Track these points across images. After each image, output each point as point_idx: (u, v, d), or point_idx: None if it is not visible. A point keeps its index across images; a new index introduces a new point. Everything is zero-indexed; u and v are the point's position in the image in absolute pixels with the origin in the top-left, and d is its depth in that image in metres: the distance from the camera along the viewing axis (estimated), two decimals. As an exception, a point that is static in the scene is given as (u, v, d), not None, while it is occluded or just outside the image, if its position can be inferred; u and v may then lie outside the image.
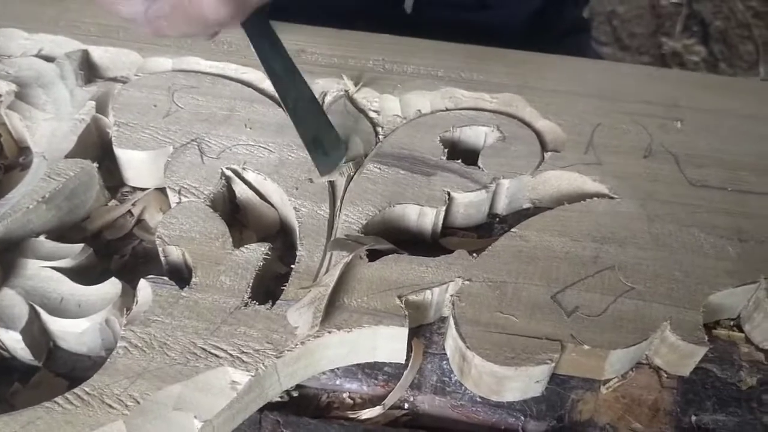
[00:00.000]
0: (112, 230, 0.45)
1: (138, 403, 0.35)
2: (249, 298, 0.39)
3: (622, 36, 2.01)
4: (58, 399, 0.35)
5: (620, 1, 2.09)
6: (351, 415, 0.40)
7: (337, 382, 0.41)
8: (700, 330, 0.39)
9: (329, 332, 0.38)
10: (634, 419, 0.40)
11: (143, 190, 0.47)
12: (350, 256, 0.40)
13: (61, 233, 0.44)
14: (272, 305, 0.39)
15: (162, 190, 0.47)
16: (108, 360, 0.37)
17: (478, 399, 0.40)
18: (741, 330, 0.43)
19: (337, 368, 0.40)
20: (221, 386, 0.36)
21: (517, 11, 0.68)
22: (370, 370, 0.41)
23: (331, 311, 0.38)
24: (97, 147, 0.48)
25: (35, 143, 0.47)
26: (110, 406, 0.35)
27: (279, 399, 0.40)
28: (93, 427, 0.34)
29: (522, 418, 0.39)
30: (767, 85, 0.63)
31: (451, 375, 0.40)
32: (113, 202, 0.47)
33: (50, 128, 0.47)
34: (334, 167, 0.45)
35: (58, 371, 0.40)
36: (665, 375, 0.41)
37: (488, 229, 0.47)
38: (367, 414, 0.40)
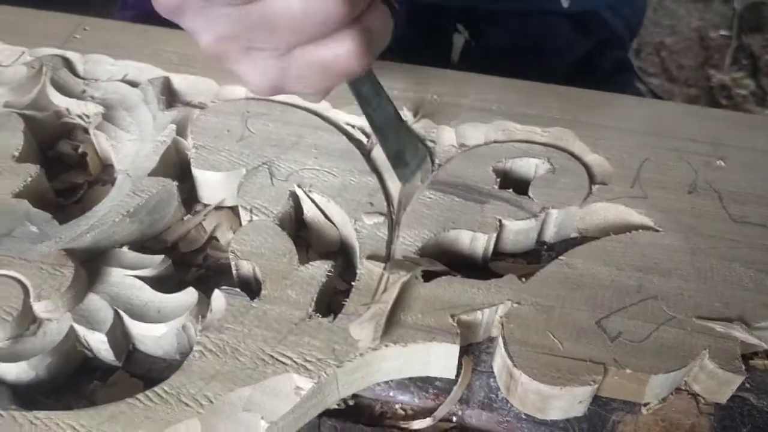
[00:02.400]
0: (187, 243, 0.49)
1: (212, 402, 0.38)
2: (313, 311, 0.42)
3: (671, 67, 2.02)
4: (140, 396, 0.39)
5: (669, 33, 2.10)
6: (403, 425, 0.43)
7: (391, 394, 0.44)
8: (737, 359, 0.41)
9: (386, 346, 0.41)
10: (672, 442, 0.42)
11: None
12: (408, 276, 0.43)
13: (141, 244, 0.48)
14: (334, 318, 0.42)
15: (233, 210, 0.51)
16: (185, 362, 0.40)
17: (524, 416, 0.42)
18: (779, 362, 0.45)
19: (391, 380, 0.43)
20: (286, 391, 0.39)
21: (566, 55, 0.71)
22: (422, 383, 0.44)
23: (389, 326, 0.41)
24: (176, 167, 0.52)
25: (119, 161, 0.51)
26: (186, 404, 0.38)
27: (336, 407, 0.43)
28: (170, 423, 0.38)
29: (563, 435, 0.42)
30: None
31: (498, 392, 0.43)
32: (188, 216, 0.50)
33: (134, 148, 0.51)
34: (413, 175, 0.48)
35: (135, 372, 0.44)
36: (703, 401, 0.43)
37: (536, 256, 0.50)
38: (417, 425, 0.42)
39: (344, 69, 0.34)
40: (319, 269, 0.44)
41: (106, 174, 0.54)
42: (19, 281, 0.42)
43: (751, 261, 0.46)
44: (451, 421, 0.43)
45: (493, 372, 0.44)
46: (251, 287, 0.45)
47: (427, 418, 0.42)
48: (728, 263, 0.46)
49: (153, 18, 0.76)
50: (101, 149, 0.53)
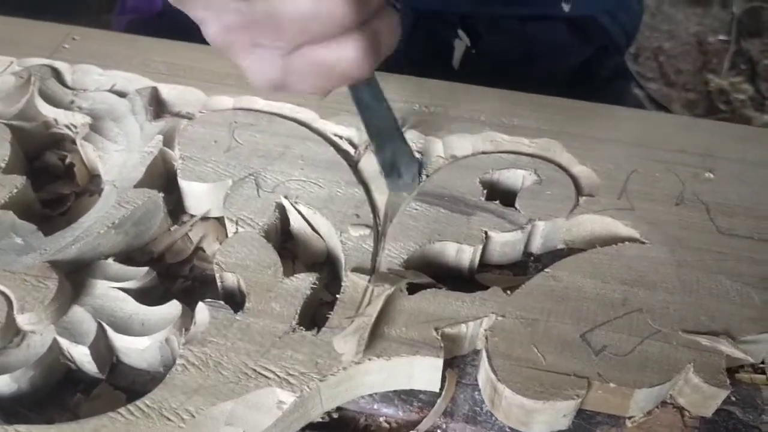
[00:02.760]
0: (173, 254, 0.49)
1: (193, 417, 0.38)
2: (297, 324, 0.42)
3: (669, 72, 2.02)
4: (121, 410, 0.38)
5: (667, 37, 2.10)
6: (387, 438, 0.43)
7: (375, 407, 0.43)
8: (722, 374, 0.41)
9: (370, 359, 0.41)
10: (657, 456, 0.41)
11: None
12: (392, 289, 0.42)
13: (127, 256, 0.48)
14: (318, 331, 0.42)
15: (219, 220, 0.51)
16: (167, 376, 0.40)
17: (508, 429, 0.42)
18: (764, 373, 0.44)
19: (375, 393, 0.43)
20: (269, 405, 0.39)
21: (565, 61, 0.71)
22: (406, 396, 0.43)
23: (373, 340, 0.41)
24: (163, 177, 0.52)
25: (106, 172, 0.51)
26: (168, 418, 0.38)
27: (320, 420, 0.43)
28: (153, 437, 0.38)
29: (548, 449, 0.42)
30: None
31: (483, 405, 0.43)
32: (174, 227, 0.50)
33: (121, 159, 0.51)
34: (405, 187, 0.49)
35: (118, 384, 0.44)
36: (688, 414, 0.43)
37: (523, 268, 0.50)
38: (401, 438, 0.42)
39: (347, 72, 0.34)
40: (304, 282, 0.44)
41: (93, 185, 0.54)
42: (2, 293, 0.42)
43: (737, 274, 0.46)
44: (435, 434, 0.43)
45: (477, 385, 0.43)
46: (236, 300, 0.45)
47: (412, 431, 0.42)
48: (714, 276, 0.46)
49: (150, 22, 0.76)
50: (88, 160, 0.53)
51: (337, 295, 0.44)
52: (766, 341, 0.43)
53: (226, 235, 0.50)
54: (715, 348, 0.42)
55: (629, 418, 0.43)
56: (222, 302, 0.43)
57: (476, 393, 0.43)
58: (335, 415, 0.43)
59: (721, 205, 0.50)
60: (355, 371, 0.41)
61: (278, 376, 0.40)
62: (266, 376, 0.40)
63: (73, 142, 0.55)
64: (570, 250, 0.50)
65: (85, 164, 0.53)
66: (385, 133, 0.46)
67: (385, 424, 0.43)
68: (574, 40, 0.74)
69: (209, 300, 0.43)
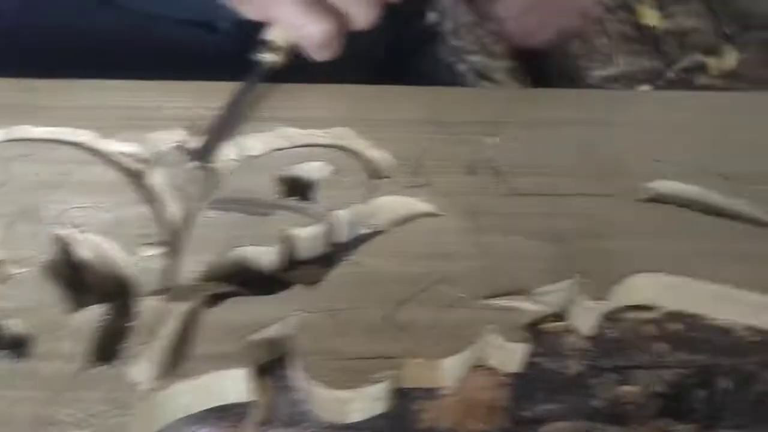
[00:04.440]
0: (-48, 309, 0.45)
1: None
2: (91, 360, 0.40)
3: (488, 43, 2.10)
4: None
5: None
6: (206, 458, 0.41)
7: (192, 429, 0.42)
8: (522, 329, 0.43)
9: (174, 382, 0.39)
10: (473, 420, 0.43)
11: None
12: (188, 305, 0.41)
13: None
14: (112, 363, 0.40)
15: None
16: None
17: (326, 424, 0.42)
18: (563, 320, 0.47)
19: (190, 415, 0.42)
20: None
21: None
22: (221, 412, 0.42)
23: (177, 360, 0.39)
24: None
25: None
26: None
27: (134, 452, 0.41)
28: None
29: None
30: (582, 92, 0.69)
31: (302, 405, 0.42)
32: (-48, 280, 0.46)
33: None
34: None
35: None
36: (500, 373, 0.44)
37: (330, 259, 0.50)
38: (220, 456, 0.41)
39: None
40: (93, 314, 0.41)
41: None
42: None
43: (529, 231, 0.48)
44: (253, 444, 0.42)
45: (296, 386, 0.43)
46: (24, 345, 0.42)
47: (230, 448, 0.41)
48: (509, 236, 0.47)
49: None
50: None
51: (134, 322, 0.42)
52: (560, 290, 0.45)
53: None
54: (513, 307, 0.44)
55: (444, 388, 0.43)
56: (4, 351, 0.40)
57: (291, 394, 0.43)
58: (150, 444, 0.41)
59: (512, 167, 0.52)
60: (163, 397, 0.39)
61: (77, 419, 0.37)
62: (64, 421, 0.37)
63: None
64: (375, 234, 0.50)
65: None
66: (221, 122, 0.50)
67: (203, 444, 0.42)
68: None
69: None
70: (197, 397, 0.41)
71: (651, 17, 2.29)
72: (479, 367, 0.44)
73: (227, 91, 0.54)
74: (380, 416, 0.42)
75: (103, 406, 0.38)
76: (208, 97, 0.54)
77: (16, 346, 0.41)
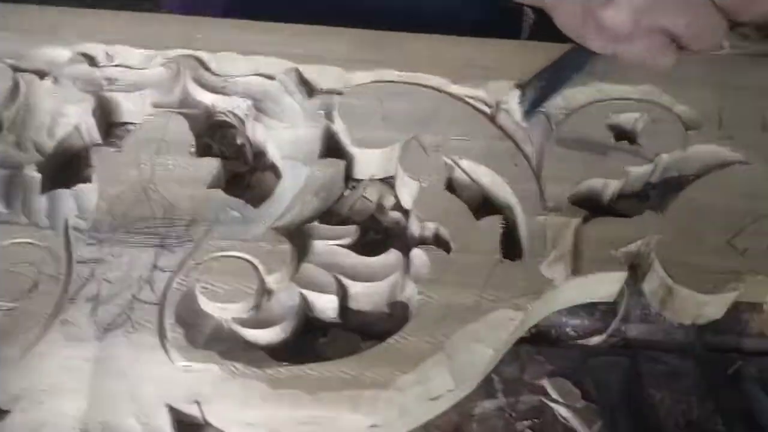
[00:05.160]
0: (357, 213, 0.56)
1: (449, 338, 0.46)
2: (500, 257, 0.50)
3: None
4: (391, 339, 0.46)
5: None
6: (581, 342, 0.51)
7: (563, 320, 0.52)
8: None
9: (571, 278, 0.49)
10: (790, 330, 0.52)
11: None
12: (578, 221, 0.51)
13: (318, 218, 0.54)
14: (522, 261, 0.50)
15: (384, 180, 0.58)
16: (415, 311, 0.48)
17: (676, 325, 0.52)
18: None
19: (563, 309, 0.52)
20: (502, 322, 0.47)
21: None
22: (588, 308, 0.52)
23: (574, 263, 0.50)
24: (331, 149, 0.58)
25: (279, 148, 0.57)
26: (429, 341, 0.46)
27: (525, 335, 0.51)
28: (423, 358, 0.45)
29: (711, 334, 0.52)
30: None
31: (650, 308, 0.52)
32: (347, 191, 0.57)
33: (291, 136, 0.57)
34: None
35: (349, 327, 0.51)
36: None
37: (645, 195, 0.59)
38: (594, 341, 0.51)
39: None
40: (495, 222, 0.52)
41: (258, 162, 0.59)
42: (249, 261, 0.48)
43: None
44: (616, 336, 0.52)
45: (641, 294, 0.53)
46: (428, 244, 0.52)
47: (602, 335, 0.51)
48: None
49: (198, 6, 0.80)
50: (256, 139, 0.59)
51: (523, 231, 0.52)
52: None
53: (395, 194, 0.57)
54: (827, 240, 0.53)
55: (764, 303, 0.53)
56: (433, 246, 0.50)
57: (642, 298, 0.53)
58: (533, 330, 0.52)
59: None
60: (559, 290, 0.49)
61: (504, 299, 0.48)
62: (494, 301, 0.48)
63: (230, 126, 0.60)
64: (681, 177, 0.60)
65: (251, 143, 0.59)
66: (549, 78, 0.58)
67: (573, 333, 0.52)
68: None
69: (422, 245, 0.50)
70: (577, 294, 0.51)
71: None
72: (789, 290, 0.54)
73: (539, 50, 0.63)
74: (715, 322, 0.52)
75: (523, 291, 0.48)
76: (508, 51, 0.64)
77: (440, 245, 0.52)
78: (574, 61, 0.60)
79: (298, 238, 0.51)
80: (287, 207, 0.52)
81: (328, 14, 0.64)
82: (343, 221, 0.55)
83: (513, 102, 0.60)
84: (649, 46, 0.53)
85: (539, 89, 0.59)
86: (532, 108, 0.59)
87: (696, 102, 0.61)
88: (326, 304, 0.49)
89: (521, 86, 0.59)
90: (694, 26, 0.51)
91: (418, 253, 0.50)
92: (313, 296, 0.48)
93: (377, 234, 0.55)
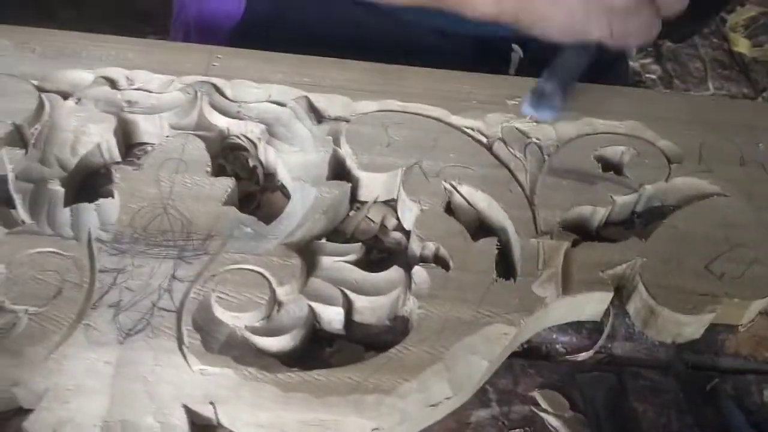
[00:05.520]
0: (362, 232, 0.59)
1: (447, 349, 0.49)
2: (496, 275, 0.54)
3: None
4: (393, 350, 0.49)
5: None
6: (570, 358, 0.55)
7: (554, 336, 0.56)
8: (808, 283, 0.56)
9: (560, 297, 0.53)
10: (764, 350, 0.56)
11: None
12: (567, 244, 0.55)
13: (325, 236, 0.58)
14: (515, 280, 0.54)
15: (386, 203, 0.61)
16: (414, 324, 0.51)
17: (657, 343, 0.55)
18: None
19: (553, 327, 0.56)
20: (497, 336, 0.51)
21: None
22: (576, 326, 0.56)
23: (563, 283, 0.53)
24: (335, 172, 0.61)
25: (290, 170, 0.60)
26: (429, 352, 0.49)
27: (518, 349, 0.55)
28: (422, 368, 0.48)
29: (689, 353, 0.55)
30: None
31: (634, 327, 0.56)
32: (352, 212, 0.61)
33: (300, 159, 0.61)
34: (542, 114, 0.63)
35: (353, 338, 0.54)
36: (782, 319, 0.57)
37: (630, 223, 0.63)
38: (582, 356, 0.55)
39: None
40: (491, 243, 0.56)
41: (268, 182, 0.63)
42: (261, 273, 0.52)
43: (796, 213, 0.61)
44: (602, 352, 0.56)
45: (627, 313, 0.56)
46: (428, 262, 0.56)
47: (589, 351, 0.55)
48: (779, 215, 0.60)
49: (204, 33, 0.84)
50: (268, 161, 0.62)
51: (516, 252, 0.56)
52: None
53: (396, 216, 0.60)
54: (797, 267, 0.57)
55: (739, 326, 0.57)
56: (434, 264, 0.54)
57: (627, 319, 0.56)
58: (525, 345, 0.55)
59: (773, 165, 0.65)
60: (550, 308, 0.53)
61: (499, 315, 0.51)
62: (489, 316, 0.51)
63: (242, 149, 0.64)
64: (664, 207, 0.64)
65: (262, 165, 0.63)
66: (558, 77, 0.62)
67: (562, 349, 0.56)
68: None
69: (422, 264, 0.54)
70: (565, 312, 0.55)
71: (742, 45, 2.39)
72: (763, 314, 0.58)
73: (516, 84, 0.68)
74: (694, 342, 0.55)
75: (515, 308, 0.52)
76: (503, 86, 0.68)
77: (439, 263, 0.55)
78: (576, 57, 0.63)
79: (306, 254, 0.54)
80: (297, 225, 0.56)
81: (322, 44, 0.69)
82: (349, 240, 0.59)
83: (526, 106, 0.63)
84: (641, 22, 0.57)
85: (547, 96, 0.63)
86: (549, 112, 0.63)
87: (678, 138, 0.66)
88: (333, 316, 0.52)
89: (526, 106, 0.63)
90: None
91: (419, 271, 0.54)
92: (320, 308, 0.52)
93: (380, 253, 0.59)
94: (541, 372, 0.53)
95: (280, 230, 0.55)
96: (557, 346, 0.56)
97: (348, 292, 0.52)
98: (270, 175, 0.63)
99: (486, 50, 0.83)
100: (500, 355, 0.51)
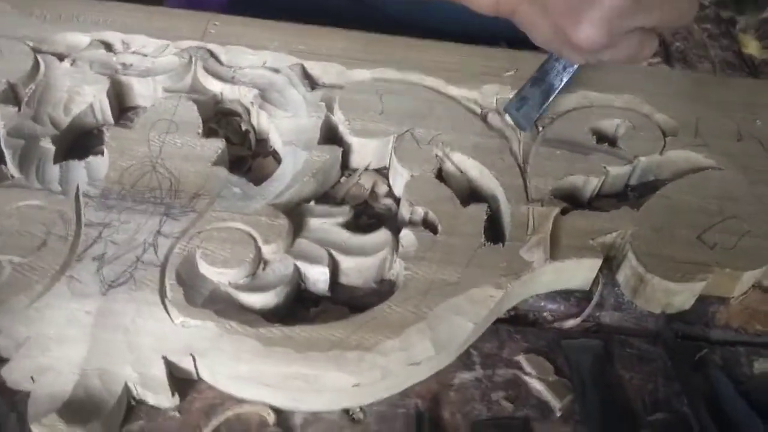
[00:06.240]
0: (352, 198, 0.59)
1: (431, 310, 0.49)
2: (484, 240, 0.53)
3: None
4: (382, 306, 0.49)
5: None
6: (557, 325, 0.54)
7: (542, 304, 0.55)
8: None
9: (549, 263, 0.52)
10: (757, 322, 0.55)
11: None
12: (556, 210, 0.54)
13: (316, 200, 0.58)
14: (503, 245, 0.53)
15: (378, 170, 0.61)
16: (401, 284, 0.50)
17: (647, 313, 0.55)
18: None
19: (540, 294, 0.55)
20: (483, 298, 0.50)
21: None
22: (565, 294, 0.55)
23: (552, 249, 0.53)
24: (326, 138, 0.61)
25: (282, 135, 0.60)
26: (413, 312, 0.49)
27: (504, 316, 0.54)
28: (406, 326, 0.48)
29: (679, 323, 0.55)
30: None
31: (623, 297, 0.55)
32: (343, 178, 0.60)
33: (293, 124, 0.60)
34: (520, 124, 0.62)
35: (338, 300, 0.53)
36: (774, 292, 0.57)
37: (624, 196, 0.63)
38: (569, 324, 0.54)
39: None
40: (480, 209, 0.55)
41: (261, 148, 0.63)
42: (247, 232, 0.52)
43: (792, 188, 0.60)
44: (590, 321, 0.55)
45: (616, 283, 0.56)
46: (417, 227, 0.55)
47: (577, 319, 0.54)
48: (777, 190, 0.60)
49: (198, 4, 0.84)
50: (260, 126, 0.62)
51: (506, 219, 0.55)
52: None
53: (388, 183, 0.60)
54: (792, 240, 0.56)
55: (731, 298, 0.56)
56: (422, 227, 0.54)
57: (616, 288, 0.56)
58: (512, 312, 0.55)
59: None
60: (537, 273, 0.52)
61: (486, 278, 0.51)
62: (476, 278, 0.51)
63: (235, 114, 0.63)
64: (658, 180, 0.63)
65: (255, 130, 0.62)
66: (542, 86, 0.60)
67: (550, 317, 0.55)
68: None
69: (410, 227, 0.54)
70: (555, 279, 0.54)
71: (753, 47, 2.38)
72: (755, 287, 0.57)
73: (528, 59, 0.67)
74: (684, 313, 0.55)
75: (504, 271, 0.51)
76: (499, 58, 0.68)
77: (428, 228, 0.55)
78: (558, 71, 0.61)
79: (294, 215, 0.54)
80: (286, 186, 0.55)
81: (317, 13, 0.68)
82: (339, 205, 0.58)
83: (506, 116, 0.63)
84: (631, 46, 0.51)
85: (529, 104, 0.62)
86: (525, 122, 0.62)
87: (674, 112, 0.65)
88: (318, 276, 0.52)
89: (509, 105, 0.63)
90: (667, 13, 0.49)
91: (406, 234, 0.53)
92: (306, 267, 0.52)
93: (370, 219, 0.59)
94: (527, 337, 0.53)
95: (269, 192, 0.55)
96: (545, 313, 0.55)
97: (334, 252, 0.52)
98: (262, 141, 0.63)
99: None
100: (486, 317, 0.50)
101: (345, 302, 0.53)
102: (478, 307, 0.50)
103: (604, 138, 0.63)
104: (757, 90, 0.70)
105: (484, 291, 0.51)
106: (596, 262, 0.53)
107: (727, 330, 0.55)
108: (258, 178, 0.58)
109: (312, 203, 0.56)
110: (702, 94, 0.68)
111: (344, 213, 0.55)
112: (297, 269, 0.52)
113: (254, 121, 0.62)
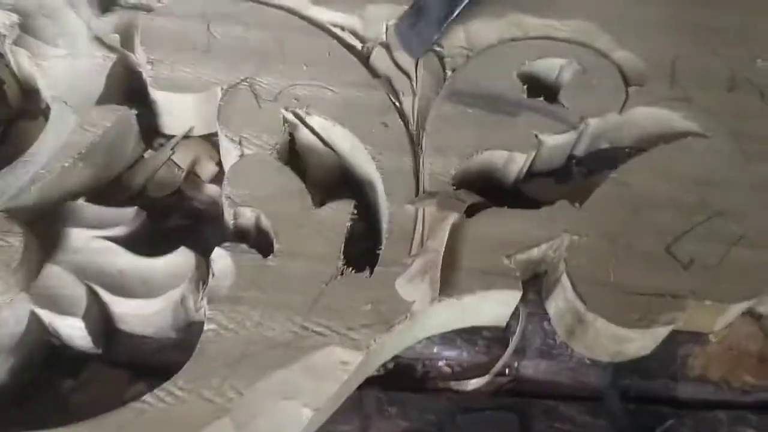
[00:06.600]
0: (157, 186, 0.39)
1: (241, 394, 0.31)
2: (343, 264, 0.34)
3: None
4: (147, 398, 0.30)
5: None
6: (455, 386, 0.37)
7: (435, 350, 0.37)
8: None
9: (440, 300, 0.34)
10: (744, 372, 0.38)
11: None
12: (457, 216, 0.35)
13: (98, 192, 0.38)
14: (371, 272, 0.34)
15: (207, 138, 0.41)
16: (198, 347, 0.32)
17: (588, 362, 0.37)
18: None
19: (434, 335, 0.37)
20: (330, 368, 0.32)
21: None
22: (469, 335, 0.37)
23: (447, 276, 0.34)
24: (124, 90, 0.41)
25: (50, 86, 0.39)
26: (210, 401, 0.30)
27: (376, 373, 0.36)
28: (196, 428, 0.30)
29: (635, 377, 0.37)
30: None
31: (555, 336, 0.38)
32: (149, 153, 0.40)
33: (66, 68, 0.40)
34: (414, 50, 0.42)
35: (116, 360, 0.35)
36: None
37: (566, 173, 0.44)
38: (474, 384, 0.36)
39: None
40: (340, 211, 0.36)
41: (30, 104, 0.42)
42: (-50, 260, 0.32)
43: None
44: (504, 374, 0.37)
45: (546, 314, 0.38)
46: (249, 240, 0.36)
47: (483, 377, 0.36)
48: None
49: None
50: (22, 72, 0.41)
51: (384, 225, 0.36)
52: None
53: (218, 160, 0.40)
54: (802, 250, 0.38)
55: (710, 334, 0.39)
56: (245, 246, 0.34)
57: (545, 323, 0.38)
58: (390, 366, 0.37)
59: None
60: (421, 316, 0.34)
61: (337, 332, 0.32)
62: (322, 334, 0.32)
63: (-6, 50, 0.42)
64: (614, 150, 0.44)
65: (17, 78, 0.41)
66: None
67: (447, 369, 0.37)
68: None
69: (227, 244, 0.34)
70: (452, 317, 0.36)
71: None
72: (744, 314, 0.39)
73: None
74: (645, 358, 0.37)
75: (366, 320, 0.33)
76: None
77: (242, 239, 0.36)
78: None
79: (46, 224, 0.34)
80: (36, 176, 0.35)
81: None
82: (134, 199, 0.39)
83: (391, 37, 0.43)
84: None
85: (427, 18, 0.42)
86: (419, 43, 0.42)
87: (643, 48, 0.45)
88: (70, 330, 0.33)
89: (399, 22, 0.43)
90: None
91: (219, 255, 0.34)
92: (50, 317, 0.32)
93: (184, 218, 0.39)
94: (407, 411, 0.35)
95: (11, 182, 0.35)
96: (440, 363, 0.37)
97: (99, 290, 0.33)
98: (32, 95, 0.42)
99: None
100: (335, 397, 0.32)
101: (126, 363, 0.35)
102: (324, 383, 0.32)
103: (539, 88, 0.43)
104: (759, 12, 0.50)
105: (333, 354, 0.32)
106: (513, 295, 0.35)
107: (703, 384, 0.38)
108: (17, 151, 0.38)
109: (81, 201, 0.36)
110: (680, 18, 0.47)
111: (128, 219, 0.35)
112: (37, 319, 0.32)
113: (13, 65, 0.41)
